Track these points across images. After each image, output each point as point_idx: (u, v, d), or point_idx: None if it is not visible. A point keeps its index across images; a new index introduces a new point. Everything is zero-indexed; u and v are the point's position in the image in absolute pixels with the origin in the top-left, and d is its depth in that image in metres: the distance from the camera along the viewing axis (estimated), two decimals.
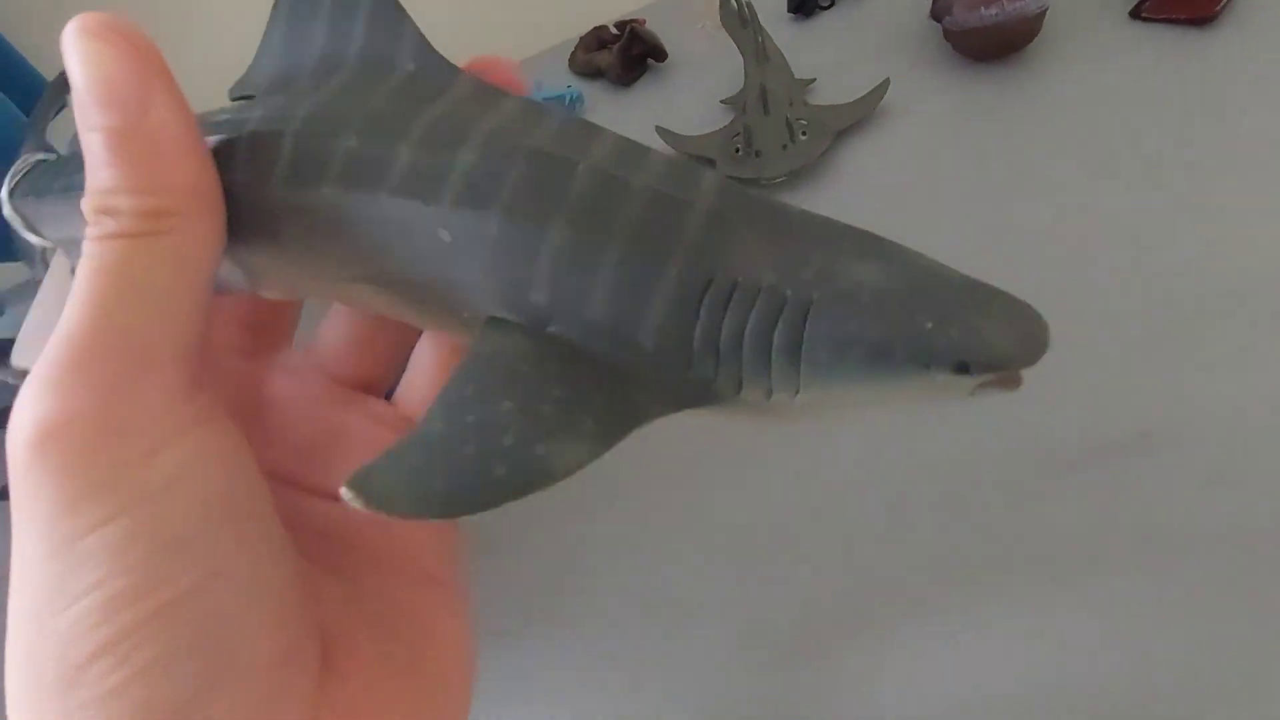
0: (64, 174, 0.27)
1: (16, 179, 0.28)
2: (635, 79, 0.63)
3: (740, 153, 0.51)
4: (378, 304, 0.22)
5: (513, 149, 0.19)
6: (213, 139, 0.20)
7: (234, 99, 0.23)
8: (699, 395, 0.19)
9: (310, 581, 0.21)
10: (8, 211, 0.28)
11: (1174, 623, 0.31)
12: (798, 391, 0.19)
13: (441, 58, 0.21)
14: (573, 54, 0.66)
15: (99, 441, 0.17)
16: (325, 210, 0.20)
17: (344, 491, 0.17)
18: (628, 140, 0.20)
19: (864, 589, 0.35)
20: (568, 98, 0.61)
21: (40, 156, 0.29)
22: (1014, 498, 0.35)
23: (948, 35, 0.54)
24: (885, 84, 0.53)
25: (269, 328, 0.26)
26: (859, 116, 0.52)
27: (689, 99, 0.60)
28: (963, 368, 0.18)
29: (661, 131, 0.56)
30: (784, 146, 0.50)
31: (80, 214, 0.19)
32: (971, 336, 0.18)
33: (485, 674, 0.24)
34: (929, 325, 0.18)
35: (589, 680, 0.35)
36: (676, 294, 0.18)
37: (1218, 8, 0.50)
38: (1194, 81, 0.49)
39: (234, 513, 0.19)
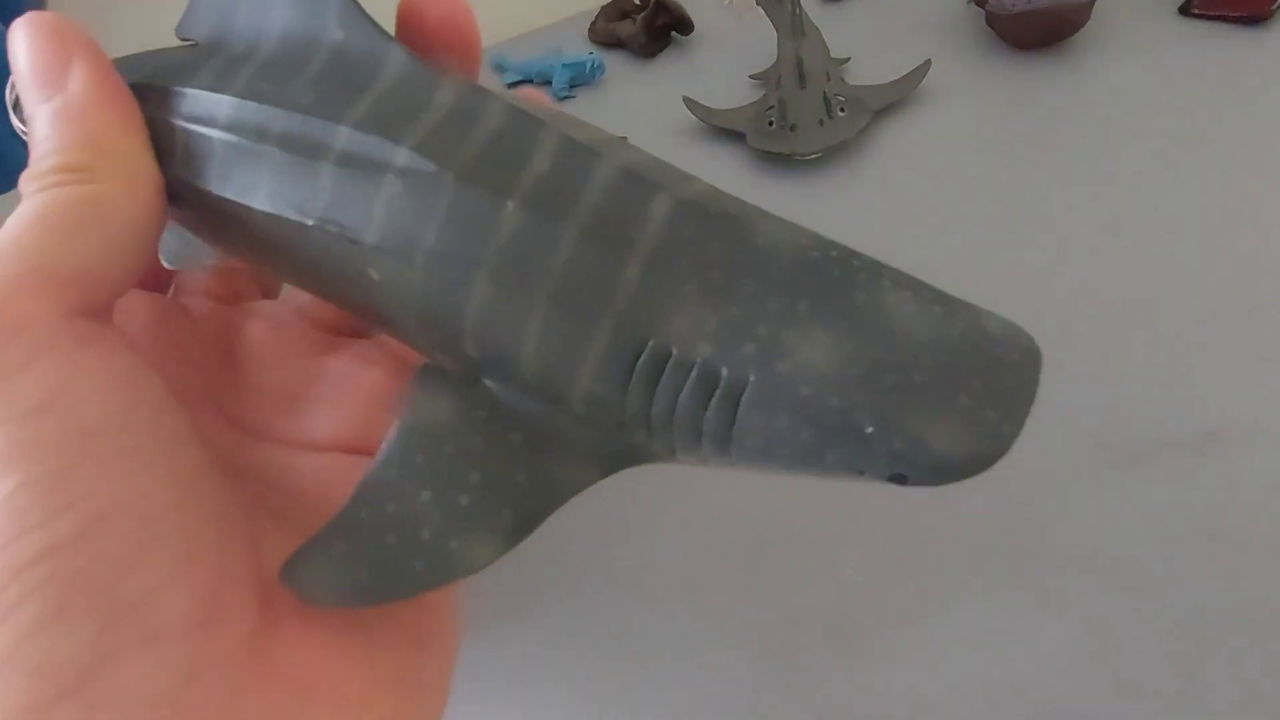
0: None
1: (17, 91, 0.27)
2: (659, 51, 0.61)
3: (774, 126, 0.49)
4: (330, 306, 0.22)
5: (438, 176, 0.17)
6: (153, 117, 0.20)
7: (180, 38, 0.23)
8: (631, 456, 0.18)
9: (248, 531, 0.18)
10: (15, 123, 0.26)
11: (1234, 628, 0.29)
12: (731, 464, 0.18)
13: (370, 22, 0.19)
14: (593, 23, 0.64)
15: None
16: (259, 226, 0.19)
17: (279, 578, 0.17)
18: (572, 143, 0.18)
19: (901, 579, 0.32)
20: (589, 65, 0.59)
21: None
22: (1069, 491, 0.33)
23: (990, 21, 0.52)
24: (926, 65, 0.51)
25: (247, 274, 0.25)
26: (898, 97, 0.50)
27: (715, 74, 0.58)
28: (899, 479, 0.16)
29: (689, 102, 0.53)
30: (821, 122, 0.48)
31: None
32: (911, 448, 0.16)
33: (483, 657, 0.21)
34: (868, 430, 0.16)
35: (592, 662, 0.33)
36: (606, 359, 0.17)
37: (1273, 7, 0.49)
38: (1244, 81, 0.47)
39: (126, 446, 0.16)
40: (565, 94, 0.59)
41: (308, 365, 0.23)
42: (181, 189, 0.20)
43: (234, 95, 0.19)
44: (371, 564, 0.17)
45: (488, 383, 0.18)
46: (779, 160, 0.49)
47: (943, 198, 0.45)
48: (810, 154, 0.47)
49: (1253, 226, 0.40)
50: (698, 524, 0.35)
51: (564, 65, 0.59)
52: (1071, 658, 0.30)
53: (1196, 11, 0.51)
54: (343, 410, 0.22)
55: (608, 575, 0.35)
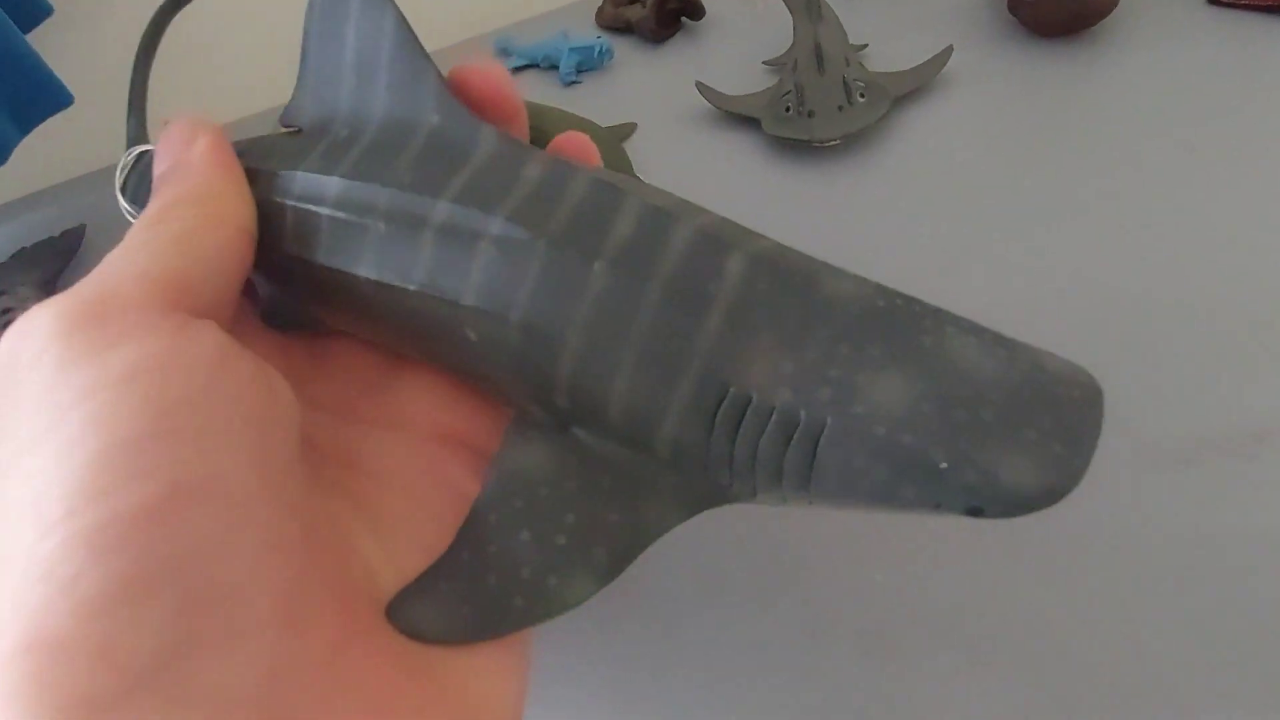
0: None
1: (126, 173, 0.28)
2: (669, 37, 0.59)
3: (791, 112, 0.47)
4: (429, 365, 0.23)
5: (529, 242, 0.19)
6: (265, 199, 0.22)
7: (283, 125, 0.24)
8: (714, 497, 0.19)
9: (333, 532, 0.17)
10: (124, 207, 0.28)
11: (1274, 633, 0.28)
12: (810, 503, 0.19)
13: (462, 109, 0.21)
14: (601, 7, 0.62)
15: (77, 316, 0.16)
16: (362, 293, 0.21)
17: (386, 614, 0.18)
18: (651, 210, 0.19)
19: (931, 584, 0.31)
20: (597, 50, 0.57)
21: (143, 148, 0.29)
22: (1108, 494, 0.31)
23: (1013, 7, 0.50)
24: (948, 51, 0.49)
25: None
26: (919, 83, 0.48)
27: (726, 60, 0.56)
28: (975, 512, 0.17)
29: (702, 88, 0.51)
30: (840, 108, 0.46)
31: None
32: (986, 482, 0.17)
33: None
34: (943, 465, 0.17)
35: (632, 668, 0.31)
36: (690, 407, 0.18)
37: None
38: (1273, 71, 0.46)
39: (214, 424, 0.15)
40: (572, 79, 0.57)
41: (391, 354, 0.23)
42: (291, 264, 0.22)
43: (341, 176, 0.21)
44: (474, 602, 0.18)
45: (577, 431, 0.20)
46: (796, 147, 0.47)
47: (965, 187, 0.44)
48: (829, 140, 0.45)
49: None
50: (717, 529, 0.34)
51: (571, 49, 0.57)
52: (1111, 663, 0.28)
53: (1225, 0, 0.50)
54: (427, 394, 0.23)
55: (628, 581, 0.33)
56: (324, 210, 0.21)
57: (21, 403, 0.15)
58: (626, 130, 0.52)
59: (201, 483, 0.14)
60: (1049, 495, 0.17)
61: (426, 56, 0.22)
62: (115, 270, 0.18)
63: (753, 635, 0.31)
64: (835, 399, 0.17)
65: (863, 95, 0.46)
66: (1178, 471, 0.31)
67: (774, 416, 0.18)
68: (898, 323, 0.18)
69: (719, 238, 0.19)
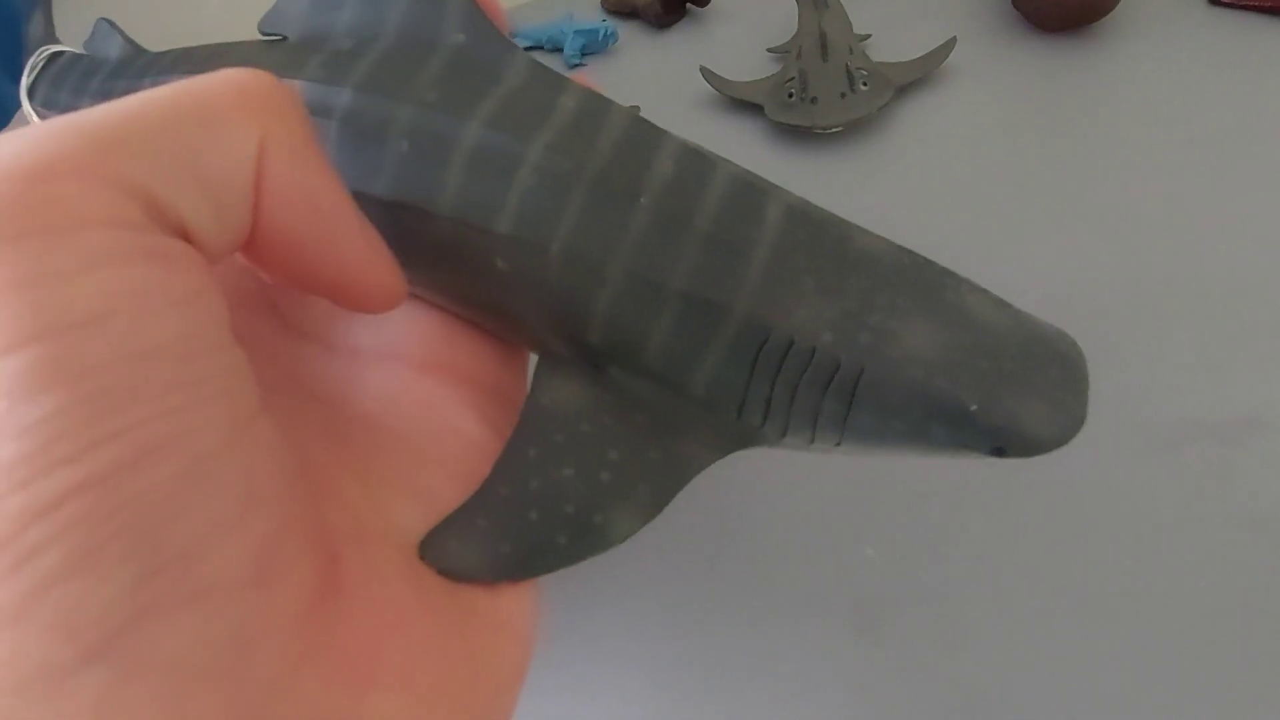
0: (96, 74, 0.25)
1: (34, 75, 0.26)
2: (674, 22, 0.59)
3: (794, 98, 0.47)
4: (435, 301, 0.21)
5: (573, 172, 0.18)
6: None
7: (264, 33, 0.22)
8: (744, 439, 0.19)
9: (309, 482, 0.16)
10: (27, 110, 0.26)
11: (1267, 618, 0.28)
12: (839, 444, 0.19)
13: (491, 27, 0.20)
14: None
15: (26, 208, 0.13)
16: (374, 216, 0.18)
17: (419, 553, 0.17)
18: (691, 151, 0.19)
19: (923, 560, 0.31)
20: (602, 33, 0.57)
21: (55, 49, 0.27)
22: (1099, 474, 0.32)
23: (1017, 2, 0.51)
24: (951, 42, 0.49)
25: None
26: (922, 73, 0.49)
27: (731, 46, 0.56)
28: (998, 452, 0.18)
29: (706, 73, 0.52)
30: (842, 95, 0.46)
31: None
32: (1011, 423, 0.18)
33: None
34: (973, 408, 0.18)
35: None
36: (732, 348, 0.18)
37: None
38: (1274, 71, 0.46)
39: (185, 376, 0.14)
40: (576, 62, 0.57)
41: None
42: None
43: (353, 88, 0.19)
44: (515, 540, 0.18)
45: (608, 368, 0.19)
46: (798, 133, 0.47)
47: (965, 177, 0.44)
48: (831, 127, 0.46)
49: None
50: (710, 504, 0.34)
51: (576, 32, 0.57)
52: (1100, 641, 0.28)
53: (1226, 1, 0.50)
54: (424, 323, 0.21)
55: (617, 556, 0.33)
56: (332, 123, 0.19)
57: None
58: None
59: (168, 440, 0.13)
60: (1060, 439, 0.18)
61: None
62: (62, 149, 0.14)
63: (747, 606, 0.31)
64: (874, 344, 0.18)
65: (865, 84, 0.47)
66: (1168, 455, 0.32)
67: (814, 359, 0.18)
68: (923, 278, 0.19)
69: (756, 185, 0.19)
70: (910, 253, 0.19)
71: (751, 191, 0.19)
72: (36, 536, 0.12)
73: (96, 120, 0.14)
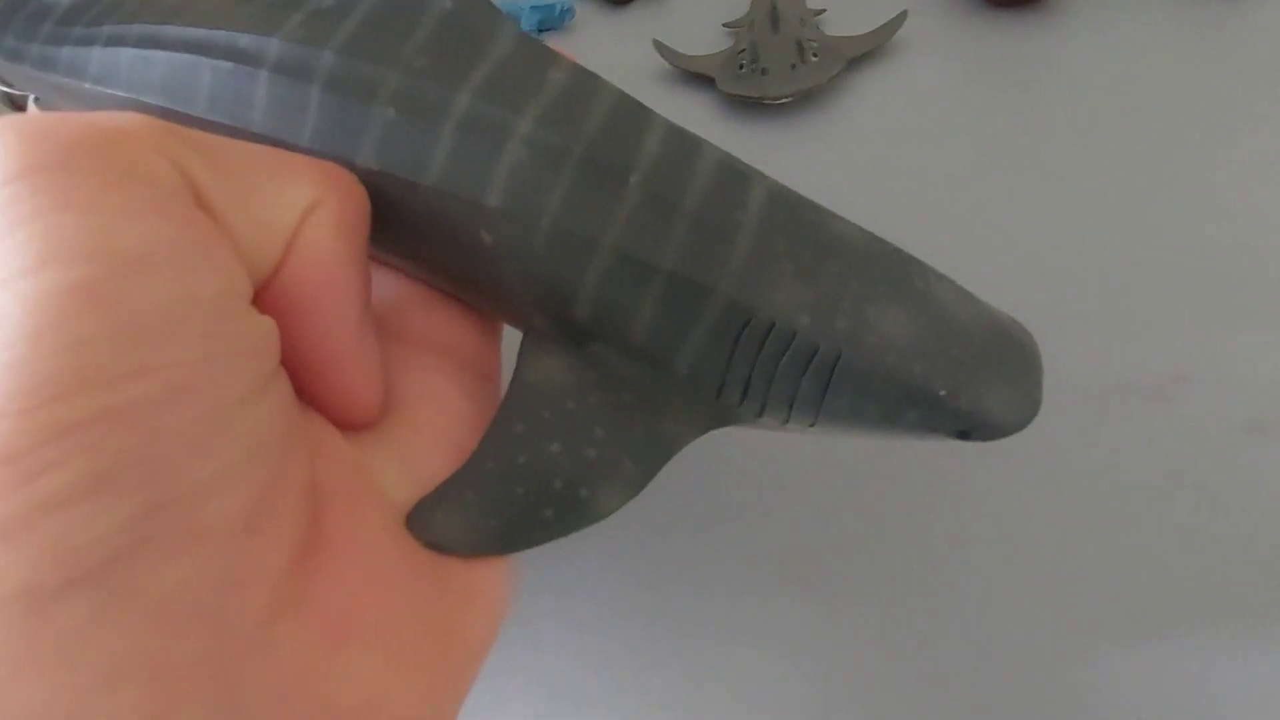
0: (47, 18, 0.24)
1: None
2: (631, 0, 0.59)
3: (745, 69, 0.47)
4: (417, 275, 0.21)
5: (562, 147, 0.18)
6: (227, 64, 0.20)
7: None
8: (722, 417, 0.20)
9: (310, 434, 0.17)
10: None
11: (1190, 573, 0.28)
12: (813, 424, 0.20)
13: None
14: None
15: (96, 153, 0.14)
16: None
17: (406, 524, 0.17)
18: (678, 132, 0.19)
19: (862, 518, 0.31)
20: (558, 8, 0.57)
21: None
22: (1029, 430, 0.32)
23: None
24: (902, 15, 0.49)
25: None
26: (873, 46, 0.49)
27: (687, 23, 0.56)
28: (964, 435, 0.19)
29: (659, 46, 0.52)
30: (793, 66, 0.46)
31: (66, 63, 0.22)
32: (977, 408, 0.19)
33: None
34: (942, 393, 0.19)
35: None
36: (715, 328, 0.19)
37: None
38: (1226, 45, 0.47)
39: (222, 327, 0.14)
40: None
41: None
42: (262, 143, 0.19)
43: (334, 51, 0.19)
44: (502, 514, 0.18)
45: (592, 345, 0.19)
46: (749, 105, 0.47)
47: (915, 150, 0.44)
48: (781, 98, 0.46)
49: (1225, 176, 0.39)
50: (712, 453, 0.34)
51: (532, 8, 0.57)
52: (1029, 596, 0.28)
53: None
54: (404, 297, 0.21)
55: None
56: (313, 86, 0.19)
57: None
58: None
59: (195, 385, 0.13)
60: (1021, 423, 0.19)
61: None
62: (134, 121, 0.15)
63: (744, 555, 0.31)
64: (851, 330, 0.18)
65: (816, 55, 0.47)
66: (1096, 410, 0.32)
67: (794, 342, 0.18)
68: (893, 265, 0.19)
69: (739, 169, 0.19)
70: (880, 240, 0.20)
71: (736, 175, 0.19)
72: (51, 454, 0.12)
73: (173, 124, 0.15)
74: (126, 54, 0.21)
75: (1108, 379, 0.32)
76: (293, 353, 0.17)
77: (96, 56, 0.22)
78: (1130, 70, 0.46)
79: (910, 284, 0.19)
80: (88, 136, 0.14)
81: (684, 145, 0.19)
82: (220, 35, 0.20)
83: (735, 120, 0.48)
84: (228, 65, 0.19)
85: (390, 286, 0.21)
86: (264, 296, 0.16)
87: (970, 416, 0.19)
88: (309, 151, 0.19)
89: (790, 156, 0.45)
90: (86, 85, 0.22)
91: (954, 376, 0.19)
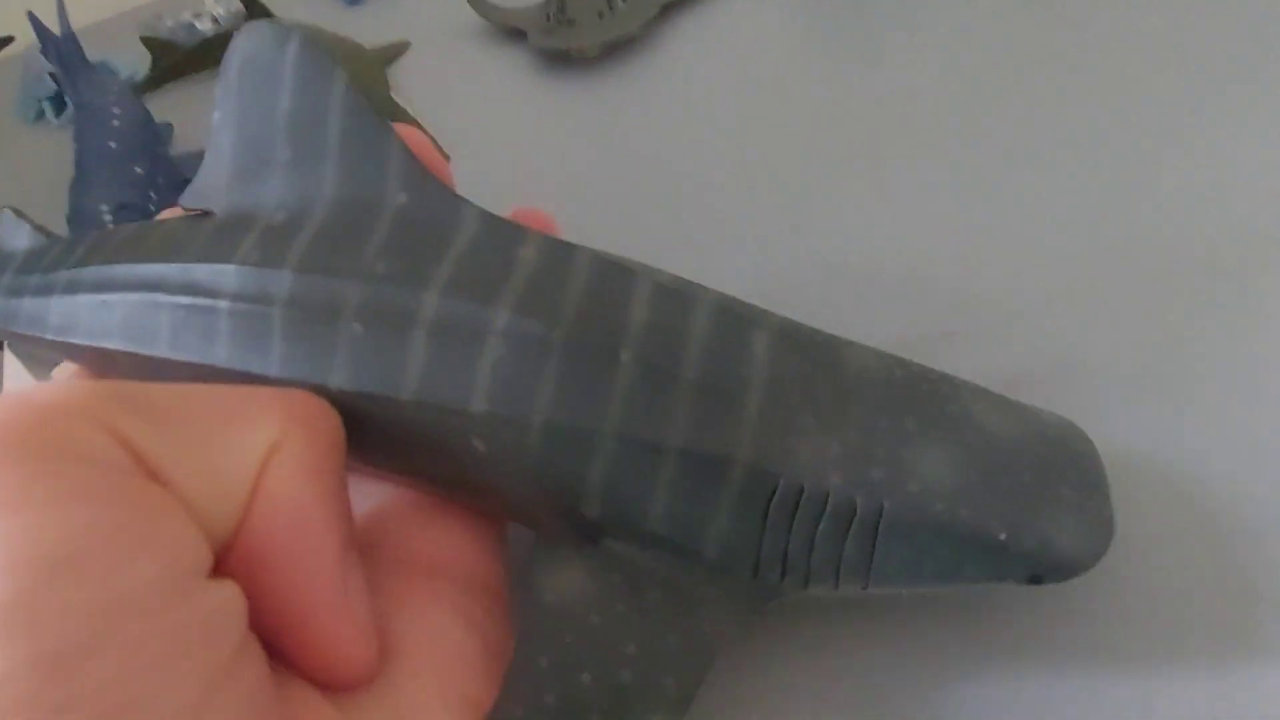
0: (5, 269, 0.24)
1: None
2: None
3: (552, 21, 0.44)
4: (408, 484, 0.20)
5: (543, 335, 0.17)
6: (185, 299, 0.18)
7: (185, 208, 0.21)
8: (765, 596, 0.18)
9: (286, 711, 0.15)
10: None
11: None
12: (865, 588, 0.18)
13: (436, 181, 0.18)
14: None
15: (24, 436, 0.13)
16: (335, 405, 0.17)
17: None
18: (662, 286, 0.18)
19: None
20: None
21: None
22: None
23: None
24: None
25: None
26: None
27: None
28: (1035, 580, 0.17)
29: (474, 1, 0.48)
30: (600, 15, 0.43)
31: (27, 316, 0.22)
32: (1043, 547, 0.17)
33: None
34: (1002, 536, 0.17)
35: None
36: (740, 502, 0.17)
37: None
38: None
39: (158, 627, 0.13)
40: (352, 0, 0.54)
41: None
42: (232, 379, 0.18)
43: (293, 270, 0.18)
44: None
45: (610, 542, 0.17)
46: (558, 59, 0.44)
47: (737, 102, 0.41)
48: (588, 51, 0.43)
49: (1075, 111, 0.37)
50: None
51: None
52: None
53: None
54: (391, 513, 0.20)
55: None
56: (274, 311, 0.17)
57: None
58: (399, 49, 0.49)
59: (133, 704, 0.12)
60: (1096, 553, 0.17)
61: (387, 124, 0.18)
62: (67, 391, 0.14)
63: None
64: (887, 479, 0.17)
65: (625, 1, 0.44)
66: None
67: (829, 504, 0.17)
68: (921, 392, 0.18)
69: (738, 315, 0.18)
70: (904, 363, 0.18)
71: (736, 323, 0.18)
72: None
73: (119, 383, 0.15)
74: (84, 300, 0.20)
75: (883, 335, 0.30)
76: (266, 611, 0.15)
77: (55, 306, 0.21)
78: (973, 6, 0.44)
79: (943, 410, 0.18)
80: (19, 420, 0.13)
81: (674, 303, 0.17)
82: (174, 270, 0.19)
83: (547, 77, 0.45)
84: (186, 300, 0.19)
85: (376, 497, 0.20)
86: (231, 554, 0.15)
87: (1037, 559, 0.17)
88: (279, 381, 0.17)
89: (604, 115, 0.42)
90: (49, 337, 0.21)
91: (1011, 515, 0.17)
